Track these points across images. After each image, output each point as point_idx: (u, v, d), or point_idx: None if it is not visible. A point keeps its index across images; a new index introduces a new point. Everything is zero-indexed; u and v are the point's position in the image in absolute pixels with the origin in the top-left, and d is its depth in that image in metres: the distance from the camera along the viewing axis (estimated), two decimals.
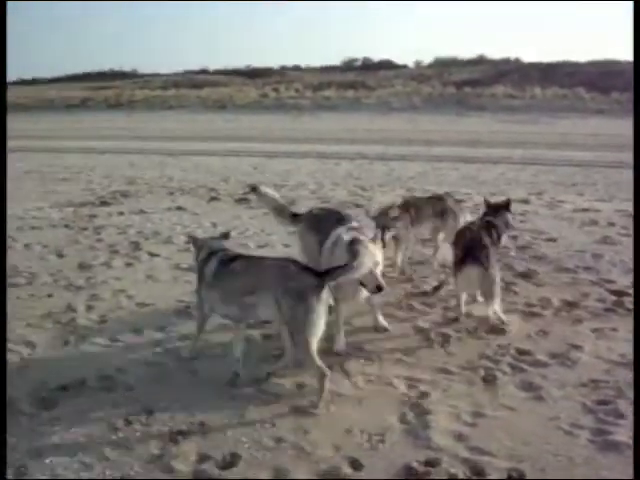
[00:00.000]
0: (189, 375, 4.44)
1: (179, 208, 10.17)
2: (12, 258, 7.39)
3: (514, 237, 7.93)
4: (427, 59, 64.14)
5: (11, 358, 4.77)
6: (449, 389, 4.20)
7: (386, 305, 5.67)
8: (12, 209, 10.37)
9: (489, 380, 4.32)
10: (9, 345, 4.98)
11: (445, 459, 3.43)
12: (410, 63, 62.81)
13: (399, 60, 61.24)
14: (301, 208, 9.58)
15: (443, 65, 55.33)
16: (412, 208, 6.58)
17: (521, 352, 4.73)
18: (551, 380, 4.30)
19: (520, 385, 4.26)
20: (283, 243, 7.79)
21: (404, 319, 5.39)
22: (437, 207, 6.68)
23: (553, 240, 7.85)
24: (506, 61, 53.31)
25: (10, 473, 3.41)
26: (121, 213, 9.95)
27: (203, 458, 3.48)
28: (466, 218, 6.51)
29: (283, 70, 63.23)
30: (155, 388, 4.27)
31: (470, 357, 4.65)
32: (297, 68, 65.62)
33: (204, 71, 68.14)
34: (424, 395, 4.12)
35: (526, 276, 6.48)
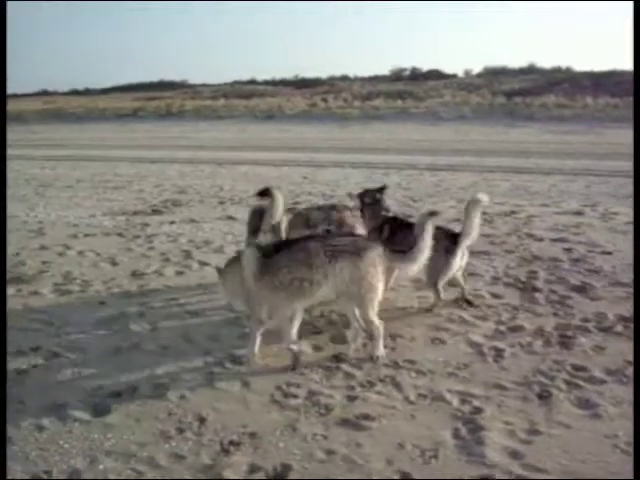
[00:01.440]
0: (240, 384, 4.45)
1: (230, 217, 10.24)
2: (66, 265, 7.55)
3: (568, 250, 7.80)
4: (476, 68, 63.75)
5: (64, 364, 4.86)
6: (503, 405, 4.12)
7: (436, 317, 5.63)
8: (66, 217, 10.63)
9: (544, 396, 4.22)
10: (62, 351, 5.08)
11: (499, 476, 3.36)
12: (459, 72, 62.44)
13: (448, 69, 60.88)
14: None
15: (493, 74, 54.90)
16: (300, 217, 6.50)
17: (577, 368, 4.62)
18: (608, 397, 4.19)
19: (576, 402, 4.15)
20: None
21: (456, 332, 5.32)
22: (325, 216, 6.49)
23: (608, 253, 7.67)
24: (557, 70, 52.69)
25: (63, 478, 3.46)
26: (172, 222, 10.06)
27: (254, 469, 3.47)
28: (360, 229, 6.21)
29: (332, 80, 63.42)
30: (206, 397, 4.29)
31: (524, 372, 4.56)
32: (345, 78, 65.79)
33: (253, 81, 68.76)
34: (478, 410, 4.05)
35: (581, 290, 6.35)
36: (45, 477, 3.47)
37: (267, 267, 4.66)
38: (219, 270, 5.06)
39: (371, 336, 4.86)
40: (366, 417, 3.96)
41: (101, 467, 3.54)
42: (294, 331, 4.85)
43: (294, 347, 4.77)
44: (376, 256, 4.67)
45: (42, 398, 4.33)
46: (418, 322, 5.51)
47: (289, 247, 4.79)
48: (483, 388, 4.34)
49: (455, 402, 4.17)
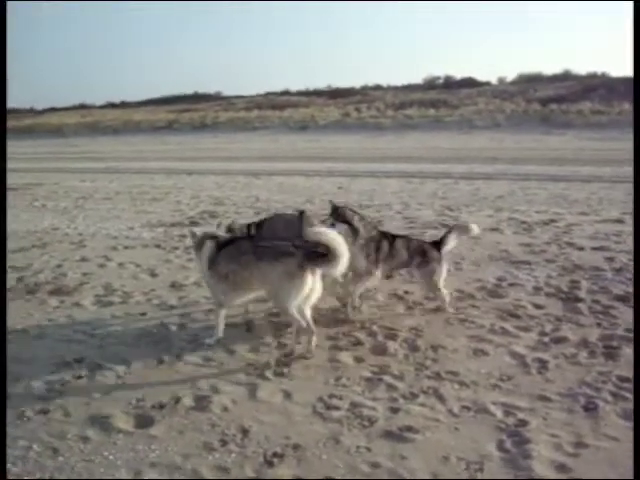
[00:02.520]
0: (282, 396, 4.44)
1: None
2: (106, 277, 7.63)
3: (610, 259, 7.68)
4: (510, 75, 63.27)
5: (107, 376, 4.89)
6: (548, 417, 4.05)
7: (478, 328, 5.57)
8: (105, 229, 10.76)
9: (590, 408, 4.15)
10: (105, 363, 5.13)
11: None
12: (493, 80, 61.98)
13: (481, 77, 60.50)
14: (389, 228, 9.63)
15: (527, 81, 54.44)
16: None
17: (623, 379, 4.53)
18: None
19: (623, 414, 4.06)
20: None
21: (498, 343, 5.26)
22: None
23: None
24: (592, 76, 52.02)
25: None
26: None
27: None
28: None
29: (365, 89, 63.42)
30: (249, 408, 4.28)
31: (569, 384, 4.49)
32: (378, 87, 65.72)
33: (286, 92, 69.05)
34: (523, 423, 3.98)
35: (624, 299, 6.24)
36: None
37: (215, 259, 5.38)
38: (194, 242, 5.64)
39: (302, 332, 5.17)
40: (410, 429, 3.93)
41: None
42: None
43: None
44: (294, 263, 4.95)
45: (86, 409, 4.36)
46: (460, 333, 5.46)
47: (232, 243, 5.44)
48: (527, 400, 4.27)
49: (499, 414, 4.11)
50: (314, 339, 5.13)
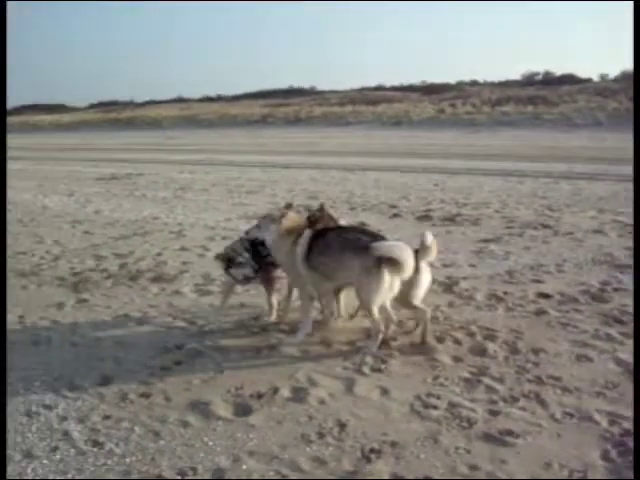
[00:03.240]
0: (379, 392, 4.41)
1: (361, 224, 10.23)
2: (205, 266, 7.78)
3: None
4: (613, 72, 61.05)
5: (206, 363, 5.00)
6: None
7: (582, 333, 5.39)
8: (203, 220, 11.00)
9: None
10: (205, 350, 5.24)
11: None
12: (594, 77, 59.94)
13: (582, 74, 58.51)
14: (486, 228, 9.46)
15: (630, 78, 52.31)
16: None
17: None
18: None
19: None
20: (469, 263, 7.61)
21: (603, 349, 5.06)
22: None
23: None
24: None
25: (207, 476, 3.53)
26: None
27: (397, 479, 3.42)
28: None
29: (460, 85, 62.55)
30: (346, 403, 4.28)
31: None
32: (475, 83, 64.77)
33: (380, 87, 68.89)
34: (628, 433, 3.83)
35: None
36: (190, 473, 3.56)
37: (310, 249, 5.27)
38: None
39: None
40: (510, 433, 3.83)
41: (244, 467, 3.59)
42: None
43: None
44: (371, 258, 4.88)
45: (186, 395, 4.47)
46: (562, 337, 5.28)
47: (324, 234, 5.30)
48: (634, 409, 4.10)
49: (604, 423, 3.95)
50: (380, 338, 5.10)
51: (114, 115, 69.11)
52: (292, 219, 5.50)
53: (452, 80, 67.32)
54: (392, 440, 3.79)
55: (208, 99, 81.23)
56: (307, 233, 5.34)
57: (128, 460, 3.70)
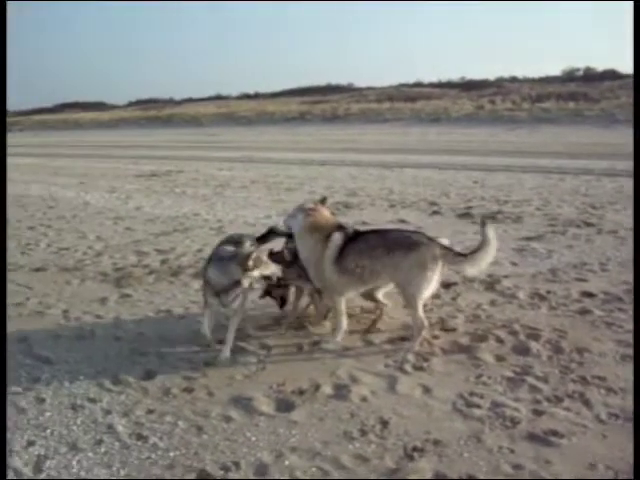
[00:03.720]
0: (421, 391, 4.39)
1: (401, 221, 10.19)
2: None
3: None
4: None
5: (248, 358, 5.04)
6: None
7: (626, 333, 5.28)
8: (243, 216, 11.06)
9: None
10: (247, 346, 5.27)
11: None
12: None
13: (624, 69, 57.38)
14: (528, 225, 9.36)
15: None
16: None
17: None
18: None
19: None
20: (511, 261, 7.53)
21: None
22: None
23: None
24: None
25: (250, 471, 3.56)
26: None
27: (439, 477, 3.41)
28: None
29: (499, 81, 61.85)
30: (387, 400, 4.27)
31: None
32: (514, 79, 63.93)
33: (418, 84, 68.44)
34: None
35: None
36: (233, 468, 3.58)
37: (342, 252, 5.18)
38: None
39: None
40: (555, 433, 3.78)
41: (287, 463, 3.61)
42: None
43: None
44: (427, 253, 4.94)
45: (229, 390, 4.51)
46: (606, 336, 5.20)
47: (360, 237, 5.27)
48: None
49: None
50: (422, 335, 5.09)
51: (153, 113, 69.79)
52: (323, 215, 5.45)
53: (491, 76, 66.72)
54: (435, 438, 3.77)
55: (246, 96, 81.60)
56: (338, 236, 5.23)
57: (172, 454, 3.75)
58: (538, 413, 4.04)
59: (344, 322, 5.32)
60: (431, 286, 4.98)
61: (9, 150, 33.45)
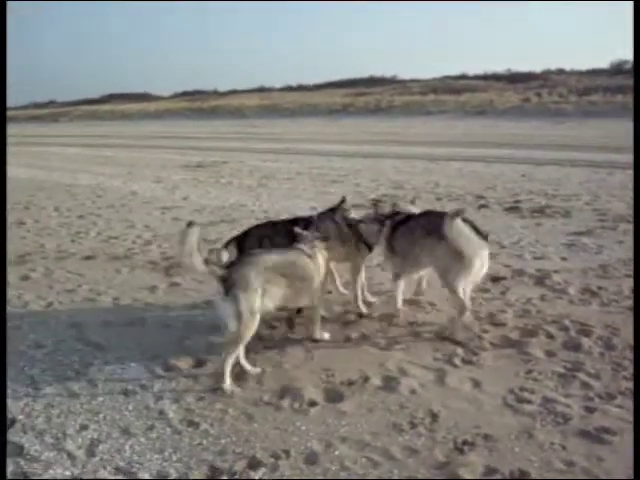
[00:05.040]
0: (471, 385, 4.37)
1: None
2: None
3: None
4: None
5: (296, 349, 5.07)
6: None
7: None
8: (288, 208, 11.10)
9: None
10: (295, 336, 5.31)
11: None
12: None
13: None
14: (577, 220, 9.22)
15: None
16: None
17: None
18: None
19: None
20: (560, 256, 7.43)
21: None
22: None
23: None
24: None
25: (300, 460, 3.58)
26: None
27: (490, 471, 3.39)
28: None
29: (546, 74, 60.84)
30: (437, 393, 4.26)
31: None
32: (561, 72, 62.79)
33: (463, 76, 67.69)
34: None
35: None
36: (284, 456, 3.61)
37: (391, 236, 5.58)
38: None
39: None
40: (607, 431, 3.73)
41: (337, 452, 3.62)
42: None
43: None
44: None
45: (278, 380, 4.54)
46: None
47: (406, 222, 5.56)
48: None
49: None
50: (464, 319, 5.18)
51: (198, 104, 70.29)
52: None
53: (538, 69, 65.57)
54: (485, 433, 3.75)
55: (289, 88, 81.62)
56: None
57: (223, 441, 3.79)
58: (590, 410, 3.99)
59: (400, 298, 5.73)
60: (471, 272, 5.04)
61: (57, 140, 34.03)
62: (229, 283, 4.42)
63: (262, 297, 4.51)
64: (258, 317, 4.50)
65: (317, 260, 5.00)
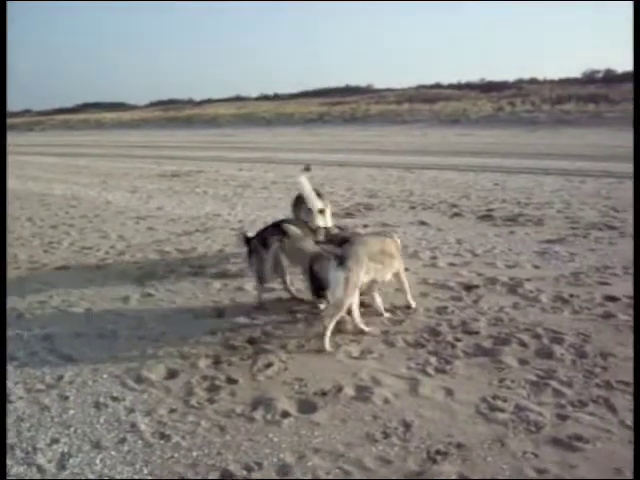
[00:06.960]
0: (444, 393, 4.38)
1: (422, 223, 10.16)
2: None
3: None
4: None
5: (270, 359, 5.03)
6: None
7: None
8: (264, 217, 11.10)
9: None
10: (270, 347, 5.28)
11: None
12: None
13: None
14: (549, 228, 9.30)
15: None
16: None
17: None
18: None
19: None
20: (533, 264, 7.48)
21: None
22: None
23: None
24: None
25: (272, 471, 3.56)
26: (365, 225, 10.17)
27: None
28: None
29: (519, 83, 61.42)
30: (410, 403, 4.26)
31: None
32: (534, 81, 63.43)
33: (438, 85, 68.20)
34: None
35: None
36: (256, 468, 3.59)
37: None
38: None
39: None
40: (579, 438, 3.75)
41: (310, 464, 3.61)
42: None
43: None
44: None
45: (251, 390, 4.52)
46: (631, 341, 5.13)
47: None
48: None
49: None
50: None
51: (173, 113, 70.08)
52: None
53: (511, 78, 66.23)
54: (458, 442, 3.76)
55: (265, 98, 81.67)
56: None
57: (195, 454, 3.77)
58: (562, 418, 4.01)
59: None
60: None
61: (32, 149, 33.71)
62: (343, 256, 5.14)
63: (365, 273, 5.31)
64: (358, 290, 5.34)
65: (396, 241, 5.93)
